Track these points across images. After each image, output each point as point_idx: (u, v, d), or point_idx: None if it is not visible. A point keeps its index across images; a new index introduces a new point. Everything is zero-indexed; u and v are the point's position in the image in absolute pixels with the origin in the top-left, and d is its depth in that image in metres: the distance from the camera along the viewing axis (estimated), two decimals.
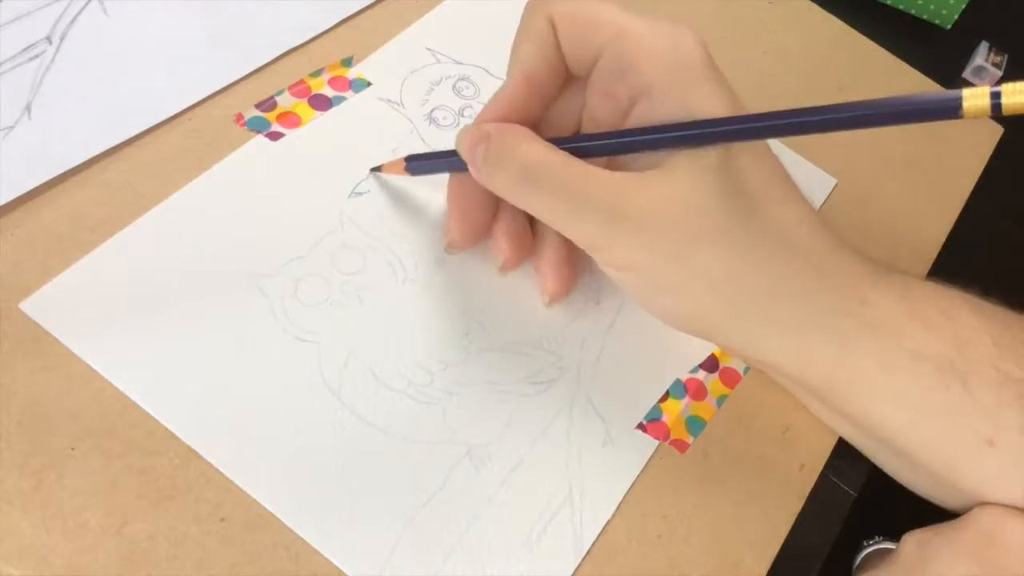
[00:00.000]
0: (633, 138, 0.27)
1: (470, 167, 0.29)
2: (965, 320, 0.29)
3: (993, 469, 0.28)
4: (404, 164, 0.32)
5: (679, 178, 0.26)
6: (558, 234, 0.30)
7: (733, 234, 0.27)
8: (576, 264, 0.32)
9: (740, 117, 0.26)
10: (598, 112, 0.30)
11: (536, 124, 0.30)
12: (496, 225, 0.32)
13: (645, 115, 0.28)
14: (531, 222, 0.32)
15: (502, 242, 0.31)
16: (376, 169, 0.34)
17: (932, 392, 0.28)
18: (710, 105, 0.26)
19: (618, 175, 0.27)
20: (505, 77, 0.30)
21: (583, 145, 0.28)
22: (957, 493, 0.30)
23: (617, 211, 0.27)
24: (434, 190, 0.34)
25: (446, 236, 0.32)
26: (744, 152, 0.27)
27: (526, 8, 0.30)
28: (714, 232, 0.27)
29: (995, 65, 0.49)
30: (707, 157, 0.26)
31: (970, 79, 0.49)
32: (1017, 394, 0.28)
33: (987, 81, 0.49)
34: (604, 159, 0.29)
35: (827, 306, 0.28)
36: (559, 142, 0.28)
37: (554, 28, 0.29)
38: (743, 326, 0.28)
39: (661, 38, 0.27)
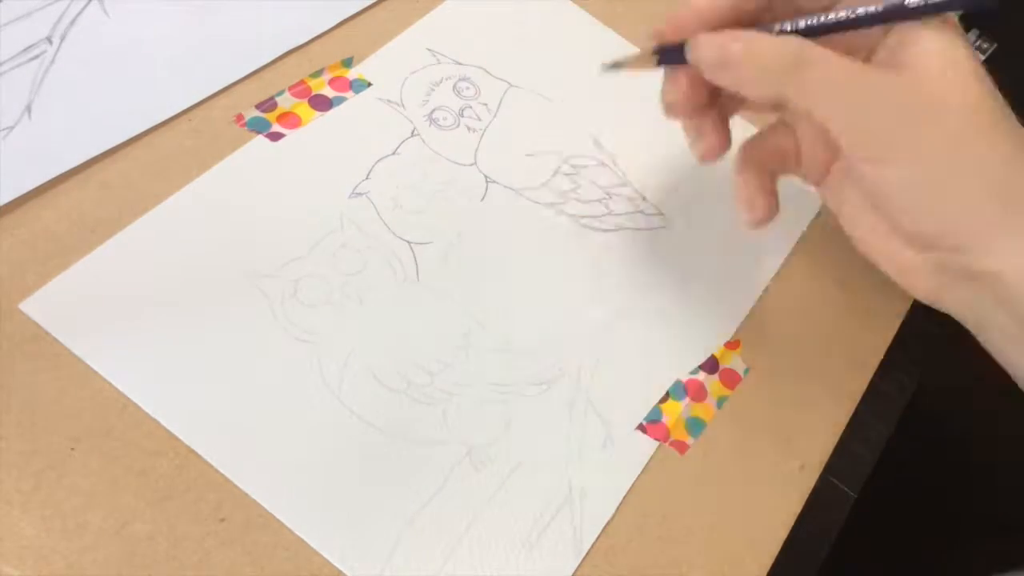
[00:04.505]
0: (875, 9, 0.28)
1: (718, 69, 0.28)
2: None
3: None
4: (655, 57, 0.30)
5: (958, 79, 0.27)
6: (761, 163, 0.31)
7: (1006, 129, 0.27)
8: (776, 193, 0.32)
9: None
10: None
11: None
12: (708, 114, 0.31)
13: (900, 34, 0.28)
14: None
15: (709, 131, 0.31)
16: (614, 66, 0.31)
17: None
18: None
19: (896, 69, 0.27)
20: None
21: (821, 23, 0.28)
22: None
23: (895, 101, 0.27)
24: (433, 191, 0.34)
25: (668, 96, 0.31)
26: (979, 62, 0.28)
27: None
28: (990, 126, 0.27)
29: (980, 50, 0.49)
30: (965, 58, 0.27)
31: None
32: None
33: None
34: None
35: None
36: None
37: None
38: (1009, 226, 0.27)
39: None
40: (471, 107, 0.37)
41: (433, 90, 0.37)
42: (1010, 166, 0.27)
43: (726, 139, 0.31)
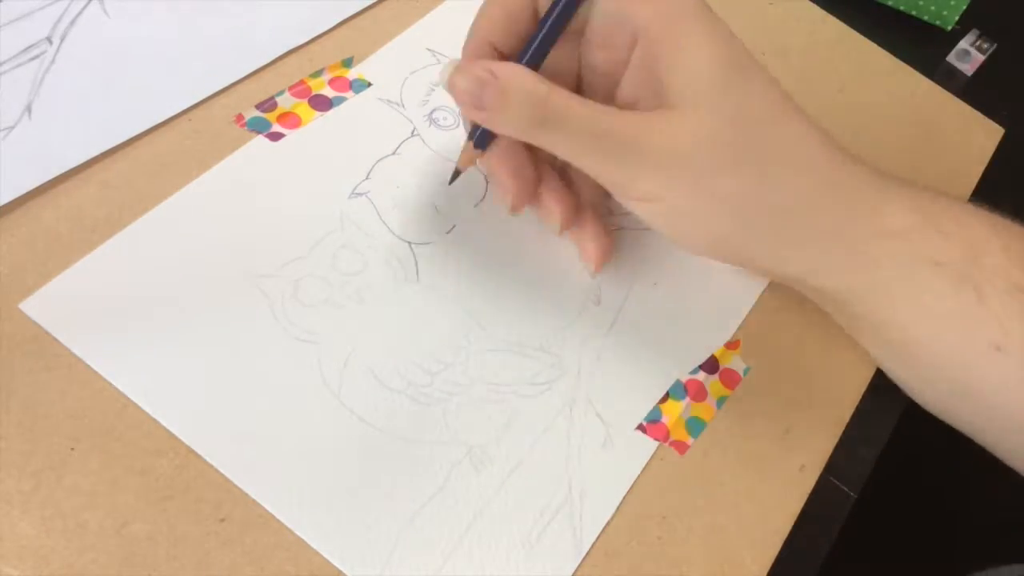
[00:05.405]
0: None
1: (472, 111, 0.28)
2: (977, 229, 0.30)
3: (1000, 373, 0.29)
4: (471, 146, 0.31)
5: (690, 114, 0.28)
6: (593, 205, 0.32)
7: (746, 160, 0.28)
8: (613, 233, 0.33)
9: None
10: (596, 63, 0.31)
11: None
12: (542, 187, 0.32)
13: (642, 60, 0.29)
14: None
15: (551, 202, 0.32)
16: (455, 175, 0.32)
17: (946, 298, 0.29)
18: (704, 44, 0.28)
19: (634, 114, 0.28)
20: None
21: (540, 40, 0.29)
22: (967, 401, 0.31)
23: (636, 148, 0.28)
24: (433, 191, 0.34)
25: (505, 198, 0.32)
26: (748, 80, 0.29)
27: None
28: (728, 160, 0.28)
29: (980, 50, 0.49)
30: (713, 91, 0.28)
31: (953, 63, 0.49)
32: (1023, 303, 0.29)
33: (969, 65, 0.49)
34: (613, 100, 0.30)
35: (841, 216, 0.29)
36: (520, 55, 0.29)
37: None
38: (763, 244, 0.30)
39: None
40: None
41: (433, 90, 0.37)
42: (746, 192, 0.29)
43: (567, 205, 0.32)
